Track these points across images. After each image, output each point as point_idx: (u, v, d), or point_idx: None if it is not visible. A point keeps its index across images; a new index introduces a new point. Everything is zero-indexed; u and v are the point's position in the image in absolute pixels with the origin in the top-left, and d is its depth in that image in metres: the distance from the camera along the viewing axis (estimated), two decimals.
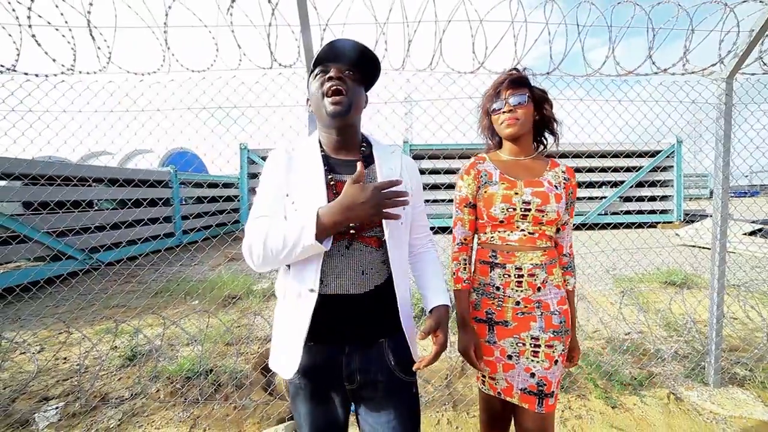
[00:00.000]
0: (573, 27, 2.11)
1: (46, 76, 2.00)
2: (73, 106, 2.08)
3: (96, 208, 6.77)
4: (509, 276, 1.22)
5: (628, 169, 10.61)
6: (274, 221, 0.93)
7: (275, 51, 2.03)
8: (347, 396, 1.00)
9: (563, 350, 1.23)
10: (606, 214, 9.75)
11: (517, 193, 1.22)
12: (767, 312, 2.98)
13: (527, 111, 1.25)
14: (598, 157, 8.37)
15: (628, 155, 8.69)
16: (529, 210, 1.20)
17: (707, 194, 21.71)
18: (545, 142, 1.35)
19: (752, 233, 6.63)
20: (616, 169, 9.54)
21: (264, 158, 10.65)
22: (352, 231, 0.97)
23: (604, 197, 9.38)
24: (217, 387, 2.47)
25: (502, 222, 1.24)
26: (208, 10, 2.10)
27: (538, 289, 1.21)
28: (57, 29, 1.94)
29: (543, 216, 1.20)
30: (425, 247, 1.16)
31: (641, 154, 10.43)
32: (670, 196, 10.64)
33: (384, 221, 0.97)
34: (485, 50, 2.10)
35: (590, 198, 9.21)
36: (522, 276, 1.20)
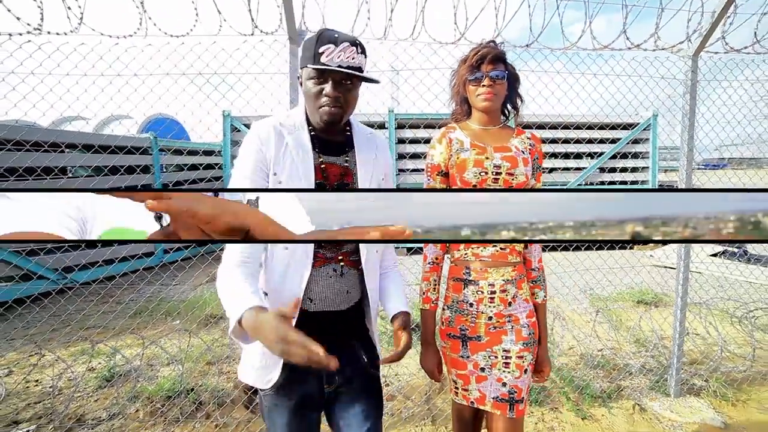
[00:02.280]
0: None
1: (10, 35, 1.90)
2: (42, 68, 1.97)
3: (70, 175, 6.47)
4: (482, 292, 1.29)
5: (604, 141, 10.83)
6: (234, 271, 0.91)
7: (256, 17, 1.99)
8: (322, 400, 1.08)
9: (532, 360, 1.32)
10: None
11: (488, 158, 1.28)
12: (723, 328, 3.12)
13: (504, 86, 1.31)
14: (574, 129, 8.54)
15: (603, 127, 8.85)
16: (500, 174, 1.28)
17: (678, 166, 22.49)
18: (507, 114, 1.44)
19: (715, 255, 7.04)
20: (591, 141, 9.73)
21: (248, 125, 10.35)
22: (340, 257, 1.05)
23: (581, 168, 9.60)
24: (198, 405, 2.41)
25: (474, 186, 1.29)
26: None
27: (509, 304, 1.29)
28: None
29: (513, 179, 1.28)
30: (390, 269, 1.23)
31: (618, 127, 10.61)
32: (646, 167, 10.99)
33: (361, 250, 1.08)
34: (466, 21, 2.11)
35: (565, 168, 9.44)
36: (494, 292, 1.28)
